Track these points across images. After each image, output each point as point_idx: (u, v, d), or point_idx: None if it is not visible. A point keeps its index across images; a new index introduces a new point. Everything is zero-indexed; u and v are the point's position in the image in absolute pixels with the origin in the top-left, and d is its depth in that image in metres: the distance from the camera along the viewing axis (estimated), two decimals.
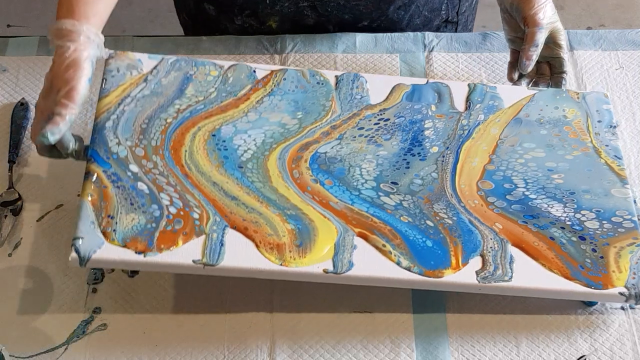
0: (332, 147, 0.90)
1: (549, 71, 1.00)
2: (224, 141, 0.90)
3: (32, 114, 1.03)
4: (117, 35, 1.09)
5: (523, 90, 0.98)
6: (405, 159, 0.90)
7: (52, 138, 0.83)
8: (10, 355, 0.84)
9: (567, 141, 0.93)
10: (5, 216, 0.94)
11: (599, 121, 0.95)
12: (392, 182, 0.88)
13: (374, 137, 0.91)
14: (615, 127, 0.95)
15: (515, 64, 1.00)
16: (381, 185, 0.88)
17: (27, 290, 0.90)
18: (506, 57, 1.04)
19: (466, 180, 0.89)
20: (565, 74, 0.99)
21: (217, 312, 0.88)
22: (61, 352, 0.86)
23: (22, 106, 1.03)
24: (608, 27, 2.23)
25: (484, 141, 0.92)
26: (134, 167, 0.87)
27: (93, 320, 0.88)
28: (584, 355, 0.86)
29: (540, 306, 0.88)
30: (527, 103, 0.96)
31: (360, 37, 1.11)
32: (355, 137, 0.91)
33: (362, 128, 0.92)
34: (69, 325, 0.87)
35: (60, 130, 0.84)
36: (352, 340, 0.87)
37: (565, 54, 0.99)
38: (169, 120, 0.91)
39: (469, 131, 0.93)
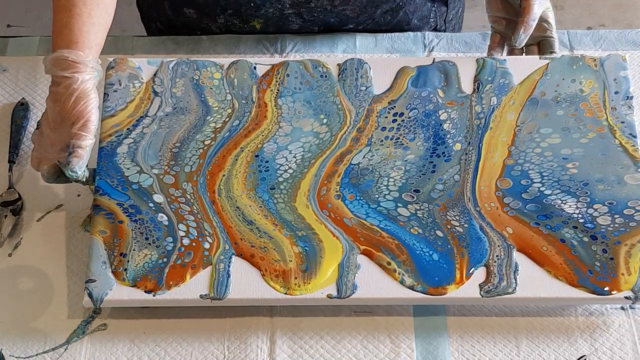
0: (364, 157, 0.90)
1: (538, 53, 0.99)
2: (267, 161, 0.89)
3: (32, 113, 1.03)
4: (117, 35, 1.09)
5: (534, 60, 0.95)
6: (432, 162, 0.89)
7: (80, 172, 0.85)
8: (10, 355, 0.84)
9: (583, 121, 0.91)
10: (5, 216, 0.94)
11: (615, 92, 0.93)
12: (414, 190, 0.88)
13: (399, 139, 0.90)
14: (631, 98, 0.92)
15: (496, 48, 0.98)
16: (403, 195, 0.87)
17: (27, 290, 0.90)
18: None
19: (486, 181, 0.88)
20: (555, 54, 0.98)
21: (217, 312, 0.88)
22: (61, 352, 0.86)
23: (22, 106, 1.03)
24: (608, 27, 2.23)
25: (502, 130, 0.91)
26: (158, 197, 0.87)
27: (93, 320, 0.88)
28: (584, 355, 0.86)
29: (541, 307, 0.88)
30: (542, 78, 0.94)
31: (360, 38, 1.11)
32: (382, 140, 0.90)
33: (385, 128, 0.91)
34: (69, 325, 0.87)
35: (85, 162, 0.85)
36: (352, 341, 0.87)
37: (555, 34, 0.97)
38: (207, 142, 0.89)
39: (485, 120, 0.91)
